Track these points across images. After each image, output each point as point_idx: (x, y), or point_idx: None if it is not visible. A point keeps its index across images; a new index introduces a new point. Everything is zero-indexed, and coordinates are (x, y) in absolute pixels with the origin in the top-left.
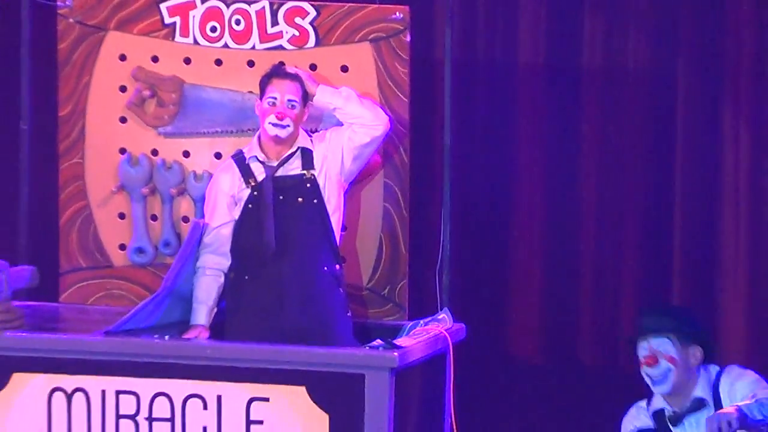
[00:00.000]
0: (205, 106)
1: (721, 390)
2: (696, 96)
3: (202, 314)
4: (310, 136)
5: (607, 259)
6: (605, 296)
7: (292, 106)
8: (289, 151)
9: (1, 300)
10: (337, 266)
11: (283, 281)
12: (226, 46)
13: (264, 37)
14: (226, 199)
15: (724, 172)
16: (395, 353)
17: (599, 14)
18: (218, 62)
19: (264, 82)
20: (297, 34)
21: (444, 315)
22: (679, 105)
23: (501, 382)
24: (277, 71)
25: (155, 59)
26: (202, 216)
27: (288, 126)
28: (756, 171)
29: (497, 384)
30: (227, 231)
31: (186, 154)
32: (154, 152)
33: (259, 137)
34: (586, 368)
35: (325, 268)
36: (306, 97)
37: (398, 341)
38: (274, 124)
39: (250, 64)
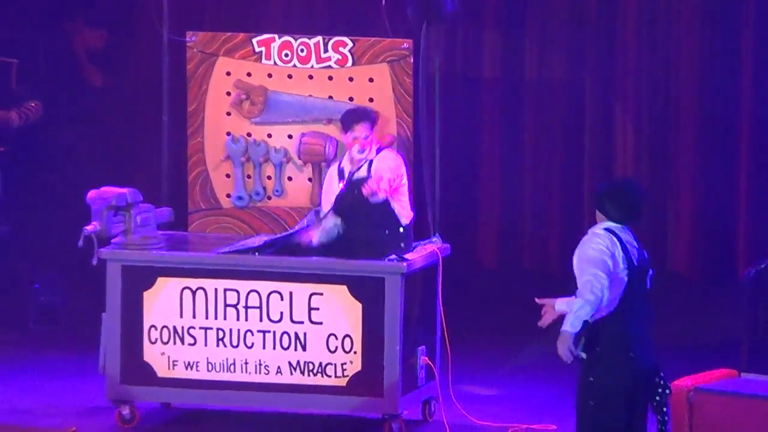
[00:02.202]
0: (281, 105)
1: None
2: (598, 103)
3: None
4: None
5: (537, 201)
6: (540, 223)
7: (366, 137)
8: (360, 163)
9: (150, 229)
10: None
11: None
12: (294, 65)
13: (319, 60)
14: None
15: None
16: (404, 263)
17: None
18: (289, 76)
19: (348, 122)
20: (340, 57)
21: (436, 238)
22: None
23: (471, 282)
24: (358, 117)
25: (249, 74)
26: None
27: (364, 151)
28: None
29: (468, 283)
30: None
31: (269, 135)
32: (249, 134)
33: (347, 153)
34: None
35: (387, 231)
36: (373, 127)
37: (406, 255)
38: (359, 151)
39: (310, 77)
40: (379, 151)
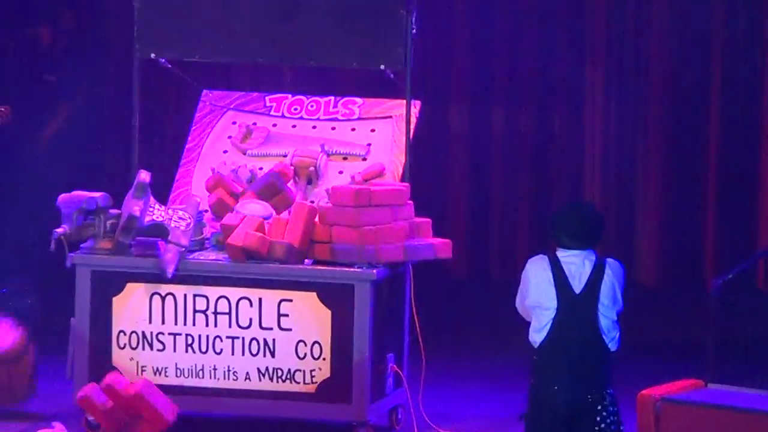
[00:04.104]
0: (282, 139)
1: None
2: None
3: None
4: None
5: (508, 197)
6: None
7: None
8: None
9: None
10: None
11: None
12: (301, 118)
13: (326, 113)
14: None
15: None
16: (374, 271)
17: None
18: (293, 126)
19: None
20: (347, 112)
21: None
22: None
23: (434, 291)
24: None
25: (254, 124)
26: None
27: None
28: None
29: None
30: None
31: (260, 168)
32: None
33: None
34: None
35: None
36: None
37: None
38: None
39: (314, 127)
40: None
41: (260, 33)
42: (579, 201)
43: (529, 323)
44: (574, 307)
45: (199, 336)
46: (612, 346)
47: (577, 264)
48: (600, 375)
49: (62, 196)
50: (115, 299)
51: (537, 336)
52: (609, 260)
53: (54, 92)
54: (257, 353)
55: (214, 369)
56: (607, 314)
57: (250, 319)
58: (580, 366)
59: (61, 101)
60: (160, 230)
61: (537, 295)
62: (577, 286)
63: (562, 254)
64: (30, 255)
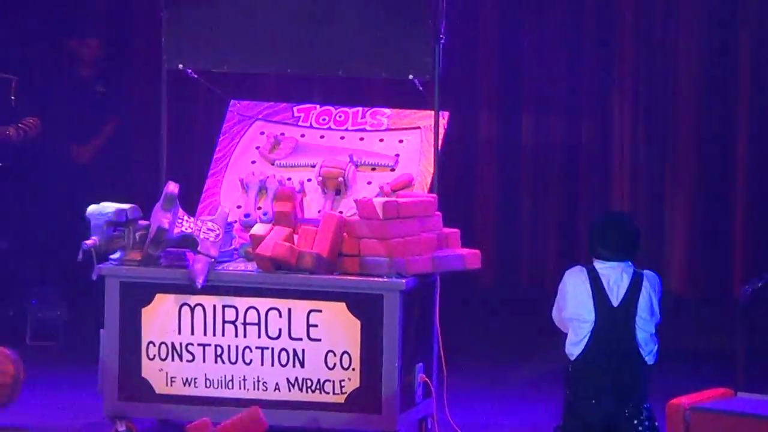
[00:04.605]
0: (310, 149)
1: None
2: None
3: None
4: None
5: (537, 206)
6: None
7: None
8: None
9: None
10: None
11: None
12: (329, 128)
13: (354, 124)
14: None
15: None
16: (403, 281)
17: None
18: (321, 137)
19: None
20: (375, 122)
21: None
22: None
23: (463, 301)
24: None
25: (282, 134)
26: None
27: None
28: None
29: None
30: None
31: (289, 179)
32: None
33: None
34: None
35: None
36: None
37: None
38: None
39: (342, 138)
40: None
41: (288, 44)
42: (616, 212)
43: (563, 334)
44: (612, 320)
45: (229, 347)
46: (649, 360)
47: (614, 276)
48: (637, 389)
49: (91, 208)
50: (144, 310)
51: (574, 349)
52: (646, 272)
53: (102, 104)
54: (286, 363)
55: (244, 379)
56: (645, 327)
57: (280, 330)
58: (617, 379)
59: (109, 113)
60: (189, 241)
61: (575, 307)
62: (615, 298)
63: (599, 266)
64: (59, 266)
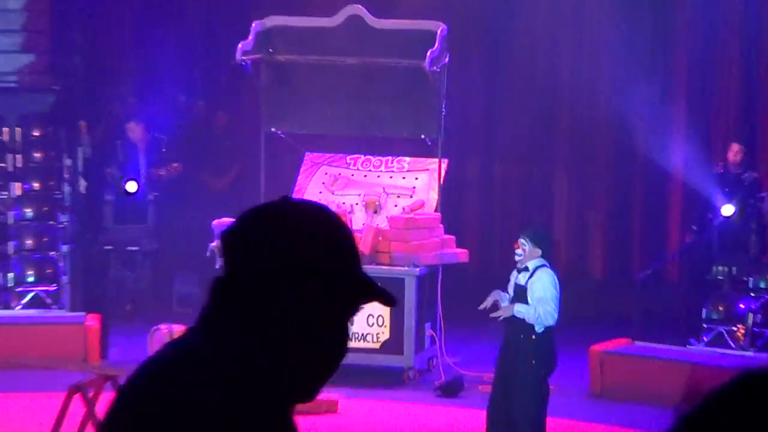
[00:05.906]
0: (354, 183)
1: (529, 279)
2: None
3: None
4: None
5: (483, 218)
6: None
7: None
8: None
9: None
10: None
11: None
12: (369, 170)
13: (385, 167)
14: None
15: None
16: (417, 269)
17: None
18: (365, 176)
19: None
20: (400, 167)
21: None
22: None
23: (454, 280)
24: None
25: (339, 174)
26: None
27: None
28: None
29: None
30: None
31: (342, 203)
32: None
33: None
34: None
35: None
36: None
37: None
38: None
39: (378, 176)
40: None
41: (344, 113)
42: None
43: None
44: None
45: None
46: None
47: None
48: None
49: (216, 221)
50: None
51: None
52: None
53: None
54: None
55: None
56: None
57: None
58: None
59: (234, 160)
60: None
61: (556, 300)
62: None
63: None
64: (198, 258)
